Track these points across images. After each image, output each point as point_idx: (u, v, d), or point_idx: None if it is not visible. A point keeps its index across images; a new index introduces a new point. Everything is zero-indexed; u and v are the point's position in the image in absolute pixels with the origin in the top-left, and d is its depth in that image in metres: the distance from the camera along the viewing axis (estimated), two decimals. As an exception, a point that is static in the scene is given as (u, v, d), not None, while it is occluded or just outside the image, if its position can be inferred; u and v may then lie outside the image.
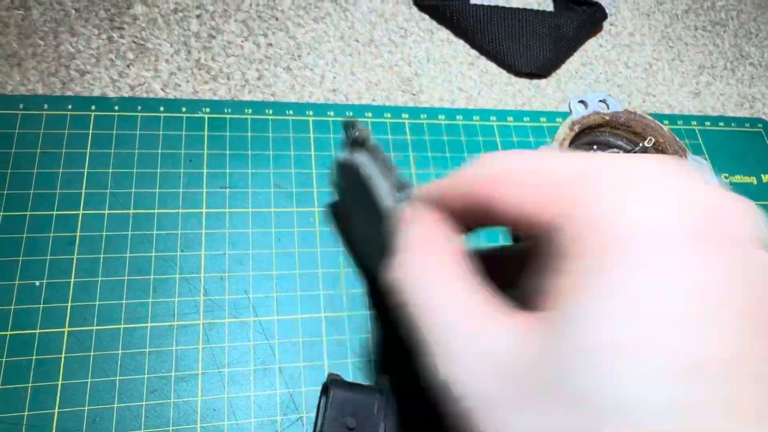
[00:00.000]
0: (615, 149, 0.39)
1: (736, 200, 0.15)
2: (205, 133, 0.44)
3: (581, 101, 0.37)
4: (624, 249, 0.13)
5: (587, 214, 0.14)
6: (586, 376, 0.13)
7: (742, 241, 0.14)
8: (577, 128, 0.36)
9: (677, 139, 0.37)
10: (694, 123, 0.56)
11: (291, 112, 0.46)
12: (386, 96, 0.50)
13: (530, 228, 0.16)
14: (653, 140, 0.37)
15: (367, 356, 0.39)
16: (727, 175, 0.54)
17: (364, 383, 0.35)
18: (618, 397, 0.12)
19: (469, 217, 0.20)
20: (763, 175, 0.55)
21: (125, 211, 0.40)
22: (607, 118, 0.37)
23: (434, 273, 0.19)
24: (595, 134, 0.39)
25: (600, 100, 0.37)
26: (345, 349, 0.39)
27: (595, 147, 0.38)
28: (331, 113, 0.47)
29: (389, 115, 0.48)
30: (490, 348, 0.15)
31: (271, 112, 0.46)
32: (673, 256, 0.13)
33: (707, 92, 0.59)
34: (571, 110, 0.36)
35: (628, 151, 0.39)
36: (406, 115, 0.49)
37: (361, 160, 0.30)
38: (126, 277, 0.38)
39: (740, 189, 0.53)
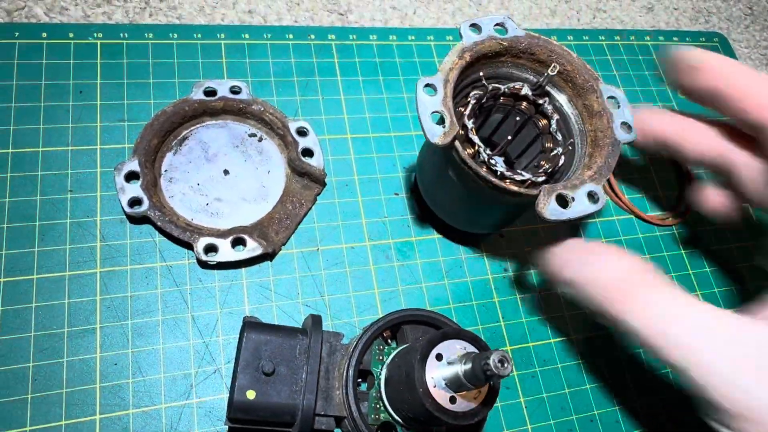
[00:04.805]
0: (519, 82, 0.34)
1: None
2: (98, 61, 0.38)
3: (473, 25, 0.32)
4: None
5: None
6: None
7: None
8: (468, 57, 0.31)
9: (588, 66, 0.33)
10: (648, 38, 0.52)
11: (200, 35, 0.41)
12: (310, 17, 0.45)
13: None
14: (557, 68, 0.32)
15: (294, 298, 0.35)
16: (682, 91, 0.51)
17: (286, 325, 0.31)
18: None
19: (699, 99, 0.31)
20: (719, 91, 0.52)
21: (3, 151, 0.34)
22: (505, 44, 0.32)
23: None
24: (495, 65, 0.34)
25: (497, 24, 0.32)
26: (268, 291, 0.35)
27: (484, 81, 0.33)
28: (247, 36, 0.42)
29: (314, 37, 0.43)
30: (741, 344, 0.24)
31: (176, 36, 0.40)
32: None
33: (660, 7, 0.55)
34: (462, 36, 0.32)
35: (535, 84, 0.34)
36: (333, 36, 0.44)
37: None
38: (5, 225, 0.33)
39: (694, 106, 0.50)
